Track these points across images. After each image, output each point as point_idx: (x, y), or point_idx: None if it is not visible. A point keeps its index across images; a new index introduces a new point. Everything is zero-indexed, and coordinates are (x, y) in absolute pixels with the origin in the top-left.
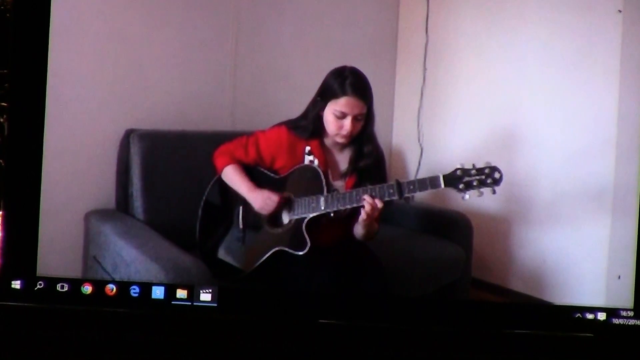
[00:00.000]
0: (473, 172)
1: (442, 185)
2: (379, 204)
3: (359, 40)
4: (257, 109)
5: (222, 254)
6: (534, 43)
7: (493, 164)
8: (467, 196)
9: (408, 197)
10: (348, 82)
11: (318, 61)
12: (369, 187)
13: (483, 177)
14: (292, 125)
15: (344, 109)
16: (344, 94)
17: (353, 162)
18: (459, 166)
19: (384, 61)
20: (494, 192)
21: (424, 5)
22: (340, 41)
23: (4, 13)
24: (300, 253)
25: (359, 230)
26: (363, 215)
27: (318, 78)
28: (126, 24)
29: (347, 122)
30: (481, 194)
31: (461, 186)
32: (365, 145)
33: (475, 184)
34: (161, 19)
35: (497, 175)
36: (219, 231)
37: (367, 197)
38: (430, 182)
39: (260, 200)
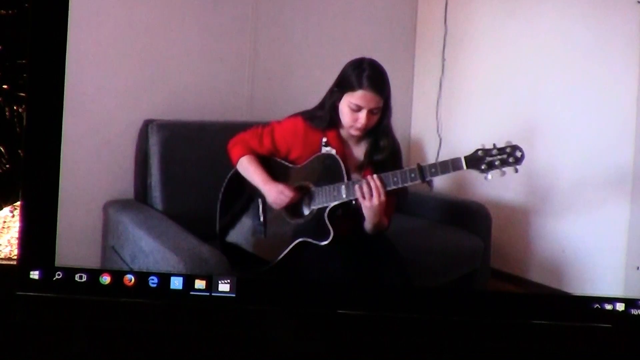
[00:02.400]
0: (494, 152)
1: (465, 167)
2: (379, 194)
3: (377, 31)
4: (275, 99)
5: (243, 245)
6: (552, 34)
7: (514, 143)
8: (489, 176)
9: (430, 181)
10: (365, 75)
11: (336, 52)
12: (390, 172)
13: (505, 156)
14: (309, 115)
15: (359, 102)
16: (360, 87)
17: (369, 155)
18: (479, 147)
19: (403, 52)
20: (516, 170)
21: None
22: (358, 32)
23: (23, 3)
24: (324, 243)
25: (367, 225)
26: (365, 203)
27: (336, 69)
28: (145, 14)
29: (362, 115)
30: (503, 173)
31: (483, 167)
32: (381, 139)
33: (497, 163)
34: (180, 9)
35: (518, 153)
36: (239, 222)
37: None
38: (452, 164)
39: (275, 193)
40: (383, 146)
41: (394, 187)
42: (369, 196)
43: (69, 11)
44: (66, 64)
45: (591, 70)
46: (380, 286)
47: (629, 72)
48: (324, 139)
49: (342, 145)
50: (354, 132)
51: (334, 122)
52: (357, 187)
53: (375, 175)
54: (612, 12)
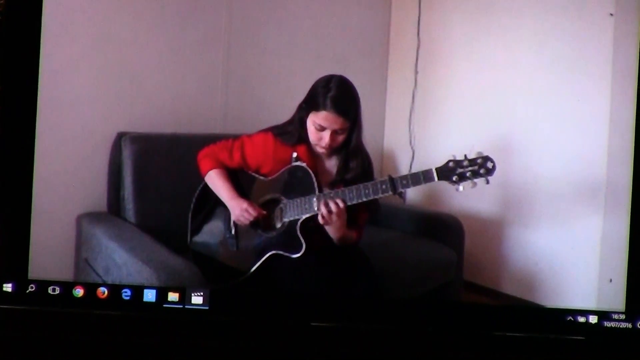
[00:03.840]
0: (465, 163)
1: (436, 178)
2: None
3: (350, 43)
4: (248, 111)
5: (215, 257)
6: (526, 46)
7: (485, 154)
8: (461, 188)
9: (401, 193)
10: (330, 95)
11: (310, 64)
12: (362, 184)
13: (476, 167)
14: (279, 131)
15: (322, 123)
16: (324, 108)
17: (340, 173)
18: (451, 158)
19: (376, 64)
20: (487, 182)
21: (415, 8)
22: (332, 44)
23: None
24: (296, 255)
25: (333, 238)
26: (319, 219)
27: (310, 81)
28: (118, 26)
29: (326, 135)
30: (475, 184)
31: (455, 178)
32: (351, 160)
33: (468, 174)
34: (153, 22)
35: (489, 164)
36: (211, 235)
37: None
38: (423, 176)
39: (238, 211)
40: (352, 167)
41: (365, 200)
42: (328, 213)
43: (42, 24)
44: (39, 76)
45: (564, 83)
46: (353, 298)
47: (602, 83)
48: (295, 154)
49: (314, 159)
50: (320, 150)
51: (303, 137)
52: (314, 202)
53: (338, 197)
54: (585, 24)
